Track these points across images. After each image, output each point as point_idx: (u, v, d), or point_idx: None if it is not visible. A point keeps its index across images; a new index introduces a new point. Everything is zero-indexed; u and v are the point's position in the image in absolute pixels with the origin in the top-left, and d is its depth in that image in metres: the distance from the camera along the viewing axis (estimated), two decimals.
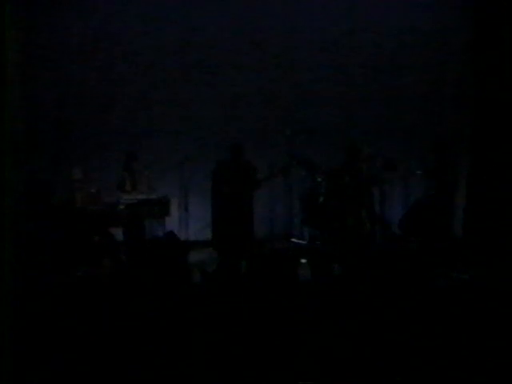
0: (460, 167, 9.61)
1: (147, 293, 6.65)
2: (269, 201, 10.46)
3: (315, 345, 5.88)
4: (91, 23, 10.38)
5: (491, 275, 7.41)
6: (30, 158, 9.10)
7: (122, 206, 9.04)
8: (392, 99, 10.62)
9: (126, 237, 9.02)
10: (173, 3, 10.49)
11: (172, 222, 9.76)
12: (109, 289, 6.94)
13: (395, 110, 10.59)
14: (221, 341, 5.92)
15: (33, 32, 9.94)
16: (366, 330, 6.03)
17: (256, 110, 10.56)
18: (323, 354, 5.79)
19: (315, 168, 9.71)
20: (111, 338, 6.00)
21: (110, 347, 5.90)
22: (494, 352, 5.82)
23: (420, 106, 10.60)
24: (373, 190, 9.66)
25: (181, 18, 10.46)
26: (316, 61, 10.59)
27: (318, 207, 9.51)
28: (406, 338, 5.95)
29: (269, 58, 10.60)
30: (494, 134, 9.40)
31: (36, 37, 10.08)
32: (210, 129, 10.49)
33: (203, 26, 10.48)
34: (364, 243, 9.13)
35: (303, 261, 7.74)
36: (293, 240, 10.20)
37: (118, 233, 9.06)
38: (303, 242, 9.95)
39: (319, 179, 9.63)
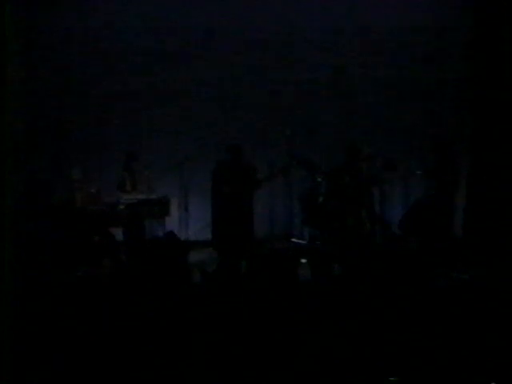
0: (460, 167, 9.60)
1: (147, 293, 6.65)
2: (269, 201, 10.46)
3: (315, 345, 5.87)
4: (91, 23, 10.37)
5: (491, 275, 7.41)
6: (29, 158, 9.11)
7: (122, 206, 9.04)
8: (392, 99, 10.61)
9: (126, 237, 9.02)
10: (173, 3, 10.49)
11: (172, 222, 9.76)
12: (109, 289, 6.94)
13: (395, 109, 10.59)
14: (221, 341, 5.92)
15: (33, 32, 9.94)
16: (366, 329, 6.03)
17: (256, 110, 10.55)
18: (323, 354, 5.79)
19: (315, 168, 9.71)
20: (111, 337, 6.00)
21: (110, 347, 5.90)
22: (494, 352, 5.82)
23: (420, 106, 10.60)
24: (373, 189, 9.66)
25: (181, 18, 10.46)
26: (316, 61, 10.59)
27: (318, 207, 9.51)
28: (406, 337, 5.95)
29: (269, 57, 10.60)
30: (494, 133, 9.40)
31: (36, 37, 10.08)
32: (210, 129, 10.48)
33: (203, 26, 10.48)
34: (364, 243, 9.13)
35: (303, 261, 7.74)
36: (293, 240, 10.20)
37: (118, 233, 9.06)
38: (303, 242, 9.95)
39: (319, 179, 9.63)
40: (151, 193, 9.36)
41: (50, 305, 6.39)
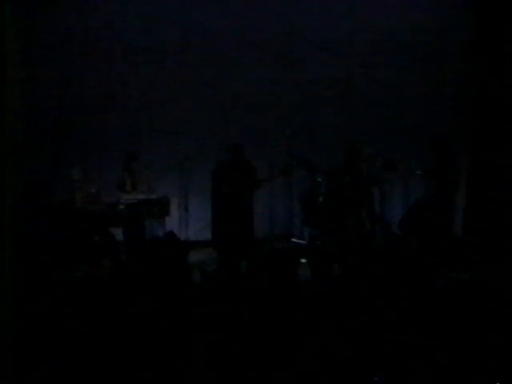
0: (460, 167, 9.60)
1: (147, 293, 6.64)
2: (269, 201, 10.46)
3: (315, 345, 5.87)
4: (91, 23, 10.38)
5: (491, 275, 7.41)
6: (29, 158, 9.11)
7: (122, 206, 9.04)
8: (392, 99, 10.61)
9: (126, 237, 9.02)
10: (173, 3, 10.49)
11: (172, 222, 9.76)
12: (109, 289, 6.94)
13: (395, 109, 10.59)
14: (221, 341, 5.91)
15: (33, 32, 9.94)
16: (366, 329, 6.03)
17: (256, 110, 10.55)
18: (323, 354, 5.79)
19: (315, 168, 9.71)
20: (111, 338, 5.99)
21: (110, 347, 5.90)
22: (494, 352, 5.82)
23: (420, 105, 10.60)
24: (373, 189, 9.66)
25: (181, 18, 10.46)
26: (316, 61, 10.59)
27: (318, 207, 9.51)
28: (406, 337, 5.95)
29: (269, 57, 10.60)
30: (494, 133, 9.40)
31: (36, 37, 10.08)
32: (210, 129, 10.48)
33: (203, 26, 10.48)
34: (364, 243, 9.13)
35: (303, 261, 7.74)
36: (293, 240, 10.20)
37: (118, 233, 9.06)
38: (303, 242, 9.95)
39: (319, 179, 9.63)
40: (151, 193, 9.36)
41: (50, 305, 6.39)
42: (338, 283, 7.09)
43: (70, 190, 9.06)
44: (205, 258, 9.07)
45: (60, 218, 8.69)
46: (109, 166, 10.06)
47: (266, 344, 5.91)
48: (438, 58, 10.60)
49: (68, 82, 10.38)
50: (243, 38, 10.52)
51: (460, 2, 10.41)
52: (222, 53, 10.53)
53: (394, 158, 9.52)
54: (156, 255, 7.56)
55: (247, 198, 9.52)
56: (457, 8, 10.43)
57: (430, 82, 10.60)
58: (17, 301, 5.67)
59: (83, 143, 10.32)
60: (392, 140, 10.38)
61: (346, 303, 6.40)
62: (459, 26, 10.33)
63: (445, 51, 10.58)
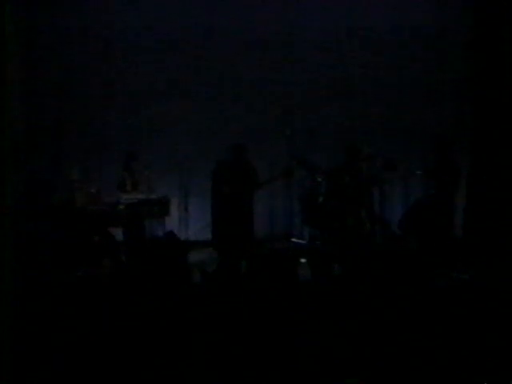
0: (460, 167, 9.60)
1: (147, 293, 6.65)
2: (269, 201, 10.46)
3: (315, 345, 5.87)
4: (91, 23, 10.37)
5: (491, 275, 7.41)
6: (29, 158, 9.12)
7: (121, 206, 9.03)
8: (392, 99, 10.61)
9: (126, 237, 9.02)
10: (173, 3, 10.49)
11: (172, 222, 9.76)
12: (109, 289, 6.94)
13: (395, 109, 10.59)
14: (221, 341, 5.92)
15: (33, 32, 9.94)
16: (366, 329, 6.03)
17: (256, 110, 10.55)
18: (323, 354, 5.79)
19: (315, 168, 9.71)
20: (111, 338, 6.00)
21: (110, 347, 5.90)
22: (494, 352, 5.82)
23: (420, 105, 10.60)
24: (373, 190, 9.66)
25: (181, 18, 10.45)
26: (316, 61, 10.59)
27: (318, 207, 9.51)
28: (406, 337, 5.95)
29: (269, 57, 10.60)
30: (494, 133, 9.40)
31: (36, 37, 10.08)
32: (210, 129, 10.48)
33: (203, 26, 10.48)
34: (364, 243, 9.13)
35: (303, 261, 7.74)
36: (293, 240, 10.20)
37: (118, 233, 9.06)
38: (303, 242, 9.95)
39: (319, 179, 9.62)
40: (151, 193, 9.35)
41: (50, 305, 6.39)
42: (337, 283, 7.09)
43: (70, 190, 9.05)
44: (205, 258, 9.07)
45: (60, 218, 8.68)
46: (109, 165, 10.05)
47: (266, 344, 5.91)
48: (438, 58, 10.60)
49: (68, 81, 10.37)
50: (243, 38, 10.52)
51: (460, 2, 10.41)
52: (222, 53, 10.53)
53: (394, 158, 9.52)
54: (156, 255, 7.56)
55: (247, 198, 9.52)
56: (457, 8, 10.43)
57: (430, 82, 10.59)
58: (17, 301, 5.66)
59: (83, 143, 10.32)
60: (392, 140, 10.38)
61: (345, 303, 6.40)
62: (459, 26, 10.33)
63: (445, 51, 10.57)
